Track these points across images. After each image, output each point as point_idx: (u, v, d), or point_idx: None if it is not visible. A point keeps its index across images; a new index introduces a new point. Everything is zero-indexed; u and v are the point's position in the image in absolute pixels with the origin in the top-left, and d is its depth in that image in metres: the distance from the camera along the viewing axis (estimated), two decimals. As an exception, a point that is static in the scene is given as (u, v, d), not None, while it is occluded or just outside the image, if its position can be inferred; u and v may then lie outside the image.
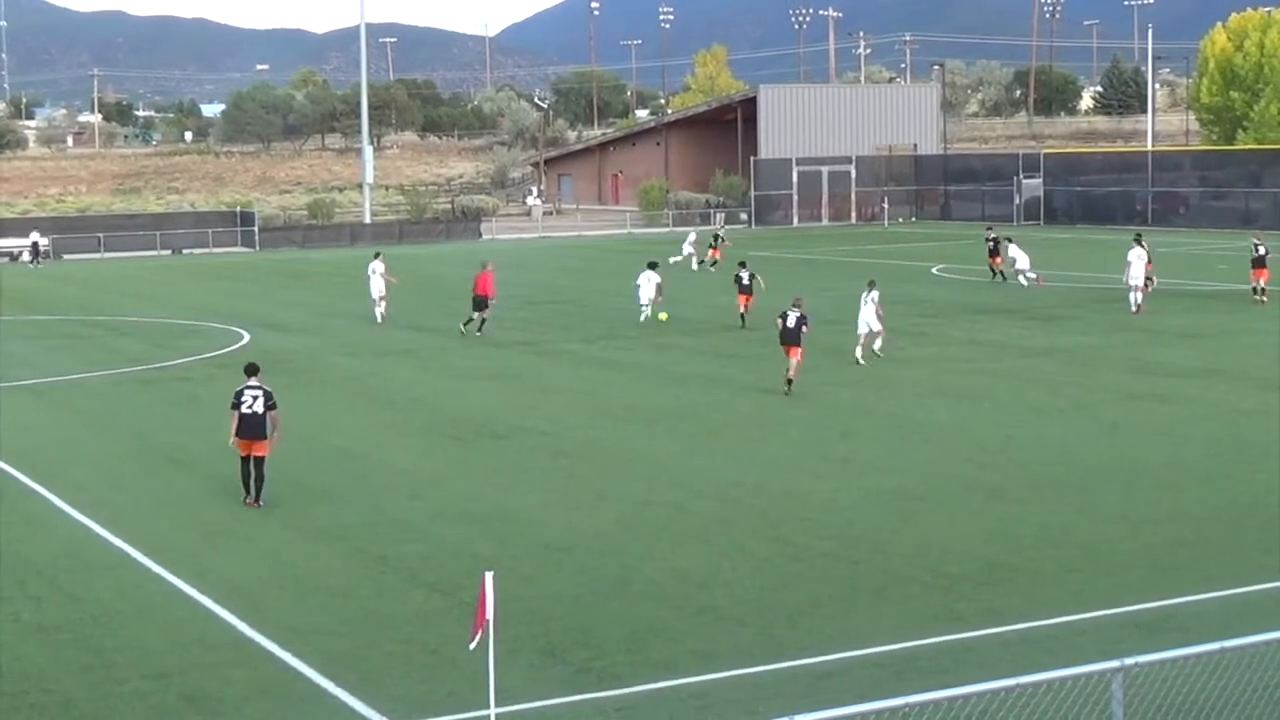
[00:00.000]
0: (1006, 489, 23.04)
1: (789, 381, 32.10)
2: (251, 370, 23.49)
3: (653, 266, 46.11)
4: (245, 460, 23.02)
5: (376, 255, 49.84)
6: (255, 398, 22.88)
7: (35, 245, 79.39)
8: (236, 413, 22.95)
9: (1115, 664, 10.44)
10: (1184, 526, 20.61)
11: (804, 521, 21.22)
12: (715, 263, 64.94)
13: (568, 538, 20.64)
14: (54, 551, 20.56)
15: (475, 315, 43.24)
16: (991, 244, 57.01)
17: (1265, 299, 46.40)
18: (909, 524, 20.99)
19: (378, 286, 47.79)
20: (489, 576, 12.52)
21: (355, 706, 14.51)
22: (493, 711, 12.84)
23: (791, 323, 32.18)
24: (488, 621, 12.44)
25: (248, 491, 23.07)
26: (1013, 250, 54.43)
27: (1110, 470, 24.15)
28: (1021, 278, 53.33)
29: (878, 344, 36.30)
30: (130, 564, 19.86)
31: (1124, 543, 19.83)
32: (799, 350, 32.18)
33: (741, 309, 44.17)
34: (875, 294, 36.30)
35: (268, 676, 15.45)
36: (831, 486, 23.42)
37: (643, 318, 45.05)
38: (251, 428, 22.85)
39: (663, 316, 44.54)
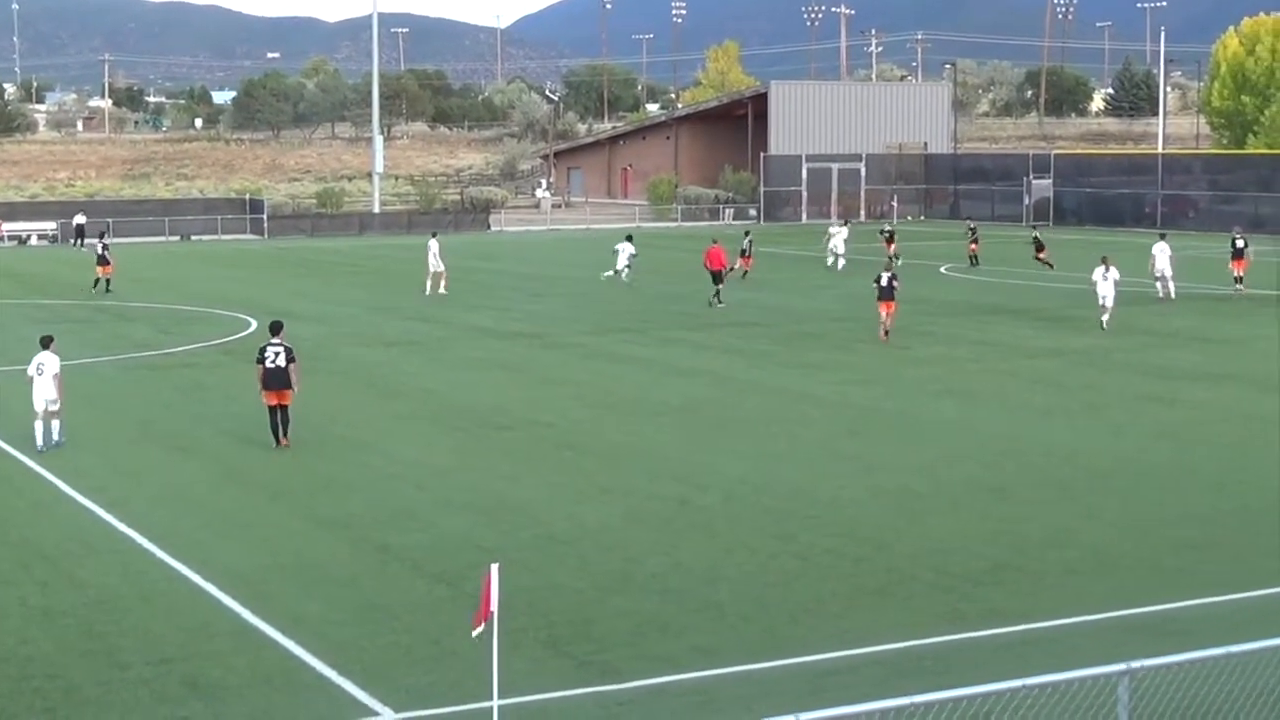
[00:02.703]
0: (1012, 489, 22.99)
1: (885, 332, 38.64)
2: (275, 328, 25.98)
3: (629, 239, 56.15)
4: (273, 410, 25.32)
5: (433, 235, 56.05)
6: (277, 353, 25.37)
7: (80, 227, 79.84)
8: (260, 367, 25.36)
9: (1122, 667, 10.39)
10: (1190, 530, 20.56)
11: (809, 519, 21.18)
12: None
13: (572, 530, 20.62)
14: (59, 536, 20.55)
15: (716, 287, 47.29)
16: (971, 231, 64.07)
17: (1243, 288, 49.47)
18: (914, 523, 20.95)
19: (433, 264, 52.44)
20: (494, 568, 12.47)
21: (357, 696, 14.48)
22: (495, 704, 12.80)
23: (884, 282, 38.84)
24: (492, 614, 12.39)
25: (276, 440, 25.37)
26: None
27: (1117, 472, 24.10)
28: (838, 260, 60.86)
29: (1105, 317, 40.62)
30: (134, 549, 19.85)
31: (1129, 545, 19.79)
32: (893, 304, 39.10)
33: (744, 269, 54.61)
34: (1114, 270, 40.60)
35: (270, 664, 15.43)
36: (837, 484, 23.38)
37: (603, 276, 55.04)
38: (276, 380, 25.29)
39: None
